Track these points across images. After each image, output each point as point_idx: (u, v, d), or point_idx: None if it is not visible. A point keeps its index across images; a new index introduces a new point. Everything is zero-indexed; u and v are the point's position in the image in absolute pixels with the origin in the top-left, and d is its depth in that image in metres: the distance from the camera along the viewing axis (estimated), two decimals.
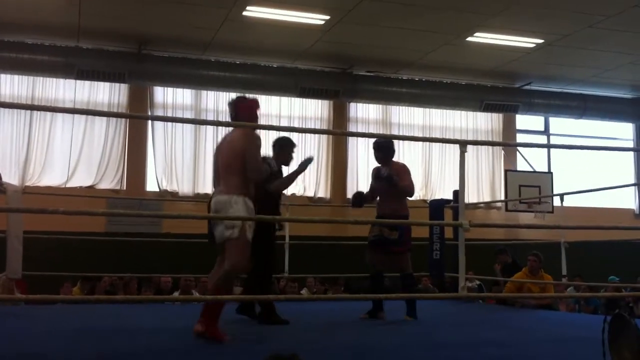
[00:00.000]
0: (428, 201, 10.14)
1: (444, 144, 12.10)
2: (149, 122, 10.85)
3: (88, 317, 5.47)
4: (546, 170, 12.65)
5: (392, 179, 5.40)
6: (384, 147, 5.66)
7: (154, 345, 4.12)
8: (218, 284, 4.10)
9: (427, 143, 12.09)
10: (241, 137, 4.25)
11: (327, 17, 8.99)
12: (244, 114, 4.40)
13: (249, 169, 4.19)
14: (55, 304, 7.12)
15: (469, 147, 4.38)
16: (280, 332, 4.70)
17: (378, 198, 5.76)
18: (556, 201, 10.55)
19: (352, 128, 11.74)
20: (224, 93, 10.97)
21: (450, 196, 8.67)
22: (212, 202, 4.25)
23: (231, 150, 4.26)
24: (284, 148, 5.46)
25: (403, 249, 5.48)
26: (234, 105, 4.46)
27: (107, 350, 3.94)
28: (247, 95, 4.76)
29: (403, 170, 5.61)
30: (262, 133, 4.30)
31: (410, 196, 5.68)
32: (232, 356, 3.77)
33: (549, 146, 13.50)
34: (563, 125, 13.16)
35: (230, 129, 4.55)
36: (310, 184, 11.45)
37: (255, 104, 4.53)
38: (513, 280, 7.19)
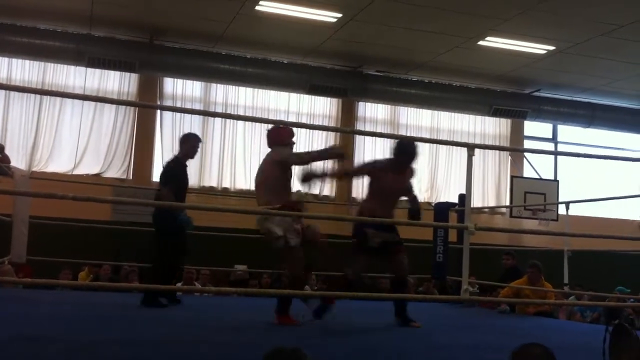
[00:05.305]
0: (433, 204, 10.12)
1: (450, 147, 12.04)
2: (158, 112, 10.85)
3: (89, 303, 5.49)
4: (552, 178, 12.63)
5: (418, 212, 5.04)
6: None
7: (152, 334, 4.14)
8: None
9: (434, 145, 12.05)
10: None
11: (340, 15, 8.99)
12: (275, 140, 4.90)
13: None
14: (55, 288, 7.16)
15: (476, 152, 4.37)
16: (281, 328, 4.71)
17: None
18: (561, 209, 10.52)
19: (359, 127, 11.70)
20: (234, 87, 11.00)
21: (455, 199, 8.64)
22: None
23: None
24: (188, 141, 5.80)
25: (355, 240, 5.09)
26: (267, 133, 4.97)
27: (107, 335, 3.96)
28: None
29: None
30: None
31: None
32: (233, 350, 3.78)
33: (556, 153, 13.45)
34: (571, 134, 13.14)
35: None
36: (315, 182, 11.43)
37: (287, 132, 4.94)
38: (511, 285, 7.18)
